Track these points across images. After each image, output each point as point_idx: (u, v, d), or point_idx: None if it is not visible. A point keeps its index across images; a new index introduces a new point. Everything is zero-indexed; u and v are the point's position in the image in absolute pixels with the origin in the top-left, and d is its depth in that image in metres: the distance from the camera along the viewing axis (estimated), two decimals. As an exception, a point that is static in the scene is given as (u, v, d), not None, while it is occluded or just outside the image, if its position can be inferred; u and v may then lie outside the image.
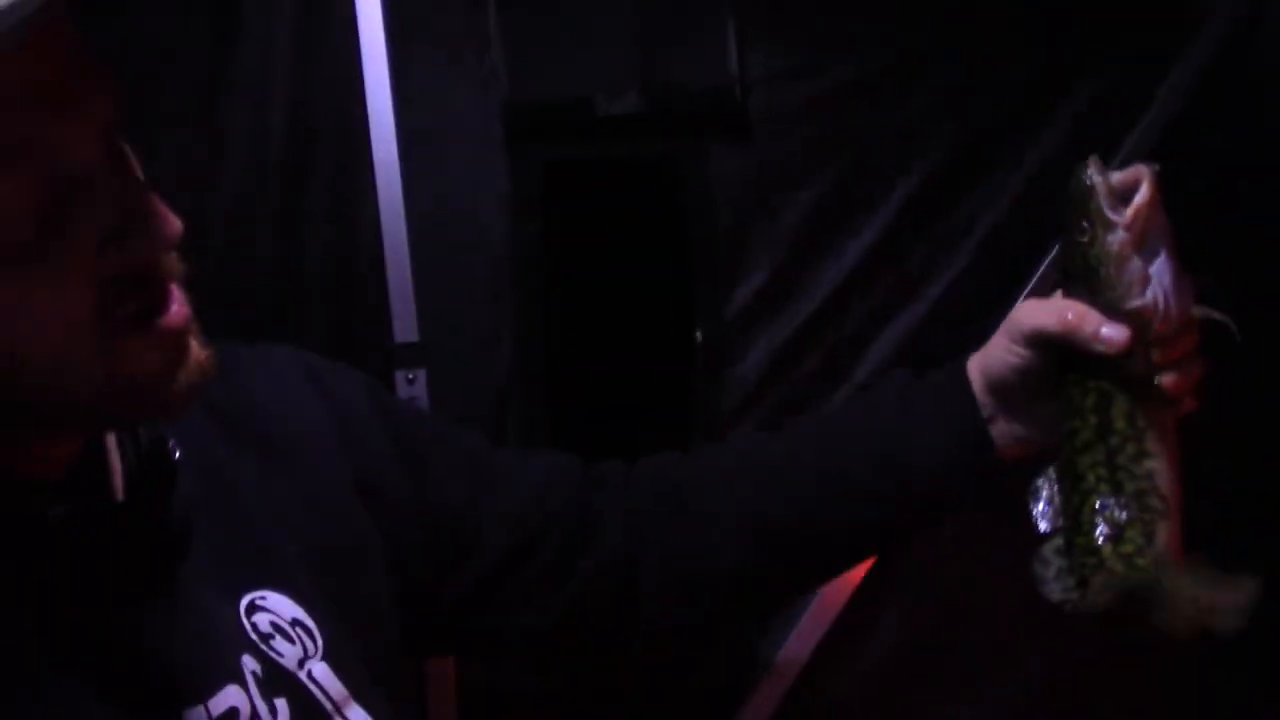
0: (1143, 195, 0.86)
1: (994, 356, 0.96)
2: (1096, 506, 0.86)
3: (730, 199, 1.63)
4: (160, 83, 1.48)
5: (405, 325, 1.56)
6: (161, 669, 0.73)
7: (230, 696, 0.77)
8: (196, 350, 0.71)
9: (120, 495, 0.76)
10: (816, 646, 1.69)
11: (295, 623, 0.84)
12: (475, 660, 1.57)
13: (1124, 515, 0.86)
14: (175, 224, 0.68)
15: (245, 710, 0.77)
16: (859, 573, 1.67)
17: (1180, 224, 0.88)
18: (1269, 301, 1.73)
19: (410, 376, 1.55)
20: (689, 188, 1.62)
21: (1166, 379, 0.87)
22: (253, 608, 0.82)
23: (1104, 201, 0.86)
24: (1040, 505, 0.90)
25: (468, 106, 1.58)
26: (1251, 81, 1.71)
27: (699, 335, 1.63)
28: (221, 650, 0.78)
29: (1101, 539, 0.86)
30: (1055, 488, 0.90)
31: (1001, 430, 0.97)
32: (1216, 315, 0.88)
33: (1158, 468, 0.87)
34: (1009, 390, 0.95)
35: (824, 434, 1.05)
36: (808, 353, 1.66)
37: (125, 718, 0.70)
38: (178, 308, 0.69)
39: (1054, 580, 0.88)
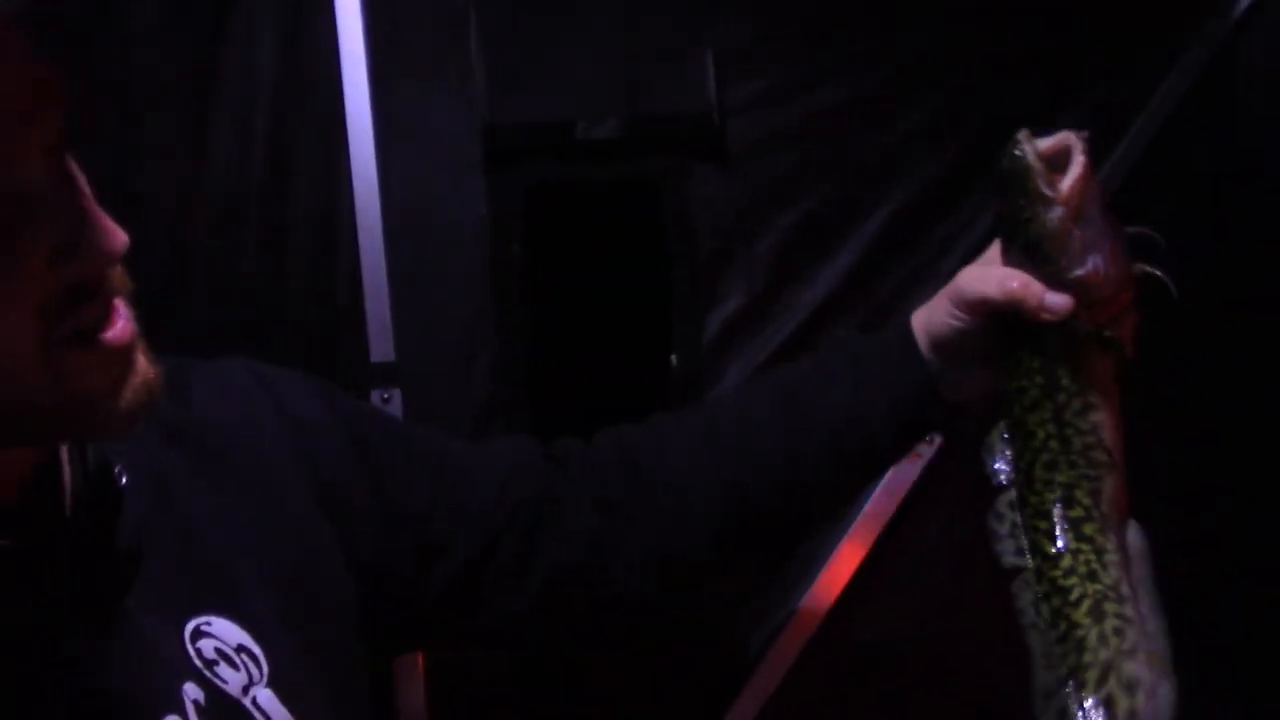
0: (1076, 170, 0.87)
1: (937, 319, 0.98)
2: (1045, 464, 0.89)
3: (708, 224, 1.63)
4: (141, 108, 1.49)
5: (381, 345, 1.56)
6: (102, 699, 0.73)
7: None
8: (144, 367, 0.70)
9: (69, 513, 0.75)
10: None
11: (240, 649, 0.83)
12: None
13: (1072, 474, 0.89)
14: (121, 238, 0.67)
15: None
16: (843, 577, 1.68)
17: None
18: (1257, 306, 1.75)
19: (385, 396, 1.56)
20: (667, 212, 1.62)
21: (1106, 335, 0.90)
22: (198, 634, 0.82)
23: (1040, 180, 0.87)
24: (995, 462, 0.92)
25: (448, 129, 1.59)
26: (1233, 101, 1.72)
27: (674, 359, 1.64)
28: (163, 679, 0.77)
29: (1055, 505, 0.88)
30: (1007, 443, 0.91)
31: (945, 382, 1.00)
32: (1151, 270, 0.90)
33: (1103, 420, 0.89)
34: (952, 349, 0.98)
35: (783, 400, 1.06)
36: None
37: None
38: (123, 324, 0.68)
39: (1007, 537, 0.90)
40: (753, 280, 1.65)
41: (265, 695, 0.83)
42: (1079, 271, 0.88)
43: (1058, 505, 0.88)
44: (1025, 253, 0.90)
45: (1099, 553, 0.87)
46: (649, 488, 1.05)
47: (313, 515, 0.94)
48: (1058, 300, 0.89)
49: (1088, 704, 0.84)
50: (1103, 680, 0.84)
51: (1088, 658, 0.85)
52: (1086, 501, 0.88)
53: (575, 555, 1.03)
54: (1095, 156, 0.90)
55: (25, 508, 0.73)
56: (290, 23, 1.54)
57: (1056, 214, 0.87)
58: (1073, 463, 0.88)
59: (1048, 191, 0.87)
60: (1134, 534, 0.89)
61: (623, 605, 1.07)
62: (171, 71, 1.52)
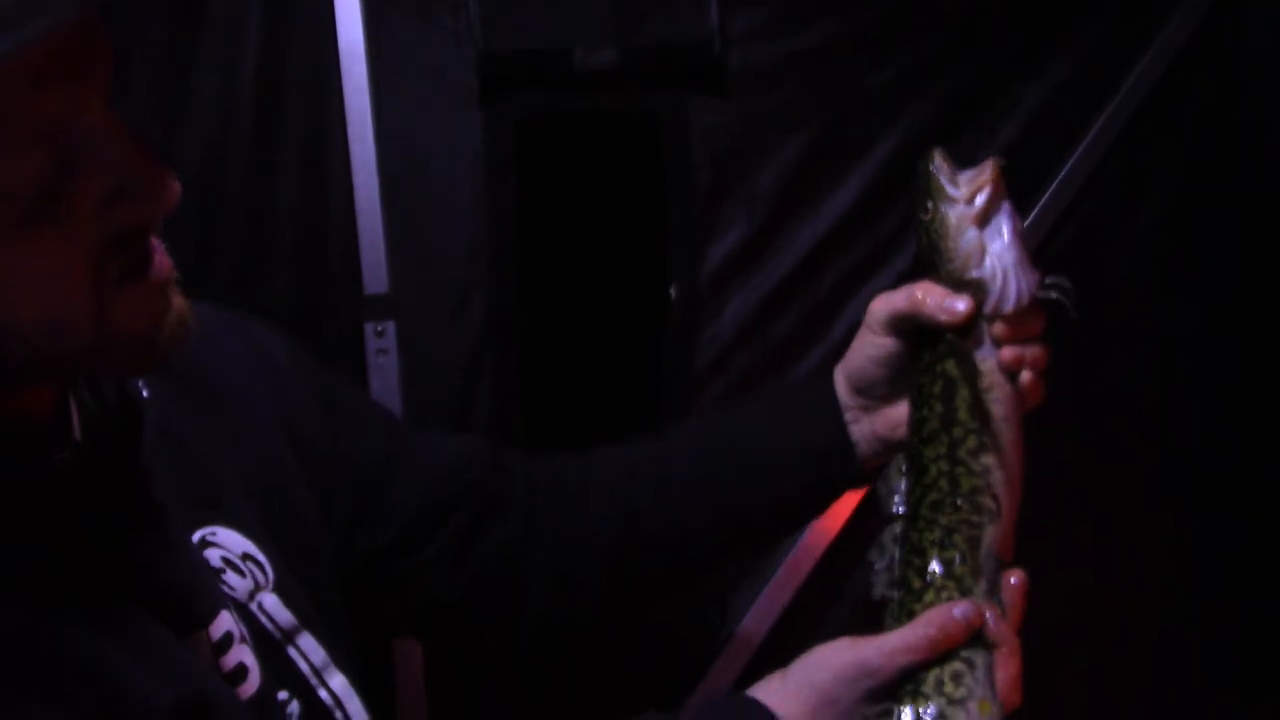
0: (983, 172, 0.89)
1: (856, 352, 0.99)
2: (931, 503, 0.89)
3: (708, 156, 1.61)
4: (128, 37, 1.46)
5: (375, 276, 1.54)
6: (173, 599, 0.75)
7: (225, 621, 0.80)
8: (179, 301, 0.71)
9: (78, 436, 0.76)
10: (782, 611, 1.69)
11: (246, 556, 0.85)
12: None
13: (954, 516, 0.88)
14: (174, 186, 0.68)
15: (236, 634, 0.80)
16: (827, 536, 1.67)
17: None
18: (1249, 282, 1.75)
19: (379, 329, 1.54)
20: (666, 144, 1.60)
21: (1006, 353, 0.90)
22: (204, 544, 0.84)
23: (943, 178, 0.90)
24: (890, 494, 0.92)
25: (442, 60, 1.56)
26: (1233, 47, 1.71)
27: (673, 293, 1.61)
28: (211, 577, 0.81)
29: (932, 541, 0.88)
30: (903, 476, 0.92)
31: (864, 431, 1.00)
32: (1056, 295, 0.90)
33: (994, 464, 0.89)
34: (871, 383, 0.98)
35: (701, 437, 1.08)
36: (783, 313, 1.65)
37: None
38: (160, 259, 0.69)
39: (884, 570, 0.90)
40: (753, 214, 1.63)
41: (271, 600, 0.86)
42: (975, 273, 0.89)
43: (935, 546, 0.88)
44: (929, 257, 0.91)
45: (963, 593, 0.87)
46: (567, 509, 1.06)
47: (286, 449, 0.95)
48: (955, 302, 0.89)
49: None
50: None
51: (919, 704, 0.84)
52: (963, 546, 0.88)
53: (499, 559, 1.05)
54: (1012, 190, 0.90)
55: (62, 426, 0.74)
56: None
57: (956, 210, 0.89)
58: (957, 506, 0.88)
59: (950, 189, 0.89)
60: (1014, 582, 0.88)
61: (527, 619, 1.08)
62: (158, 5, 1.48)
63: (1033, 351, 0.91)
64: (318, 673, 0.88)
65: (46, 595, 0.67)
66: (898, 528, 0.91)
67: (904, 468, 0.92)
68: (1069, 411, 1.69)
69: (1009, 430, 0.90)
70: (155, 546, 0.77)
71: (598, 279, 1.62)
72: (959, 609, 0.85)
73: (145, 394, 0.79)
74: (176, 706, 0.69)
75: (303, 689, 0.86)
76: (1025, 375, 0.90)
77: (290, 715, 0.85)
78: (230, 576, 0.84)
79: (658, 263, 1.62)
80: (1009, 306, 0.89)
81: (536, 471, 1.09)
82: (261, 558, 0.86)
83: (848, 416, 1.00)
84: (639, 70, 1.57)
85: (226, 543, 0.85)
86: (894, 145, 1.64)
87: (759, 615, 1.68)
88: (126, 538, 0.75)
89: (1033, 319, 0.91)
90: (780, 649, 1.69)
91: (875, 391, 0.98)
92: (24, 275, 0.62)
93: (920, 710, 0.84)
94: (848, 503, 1.65)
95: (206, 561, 0.83)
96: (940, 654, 0.84)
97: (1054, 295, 0.90)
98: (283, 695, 0.84)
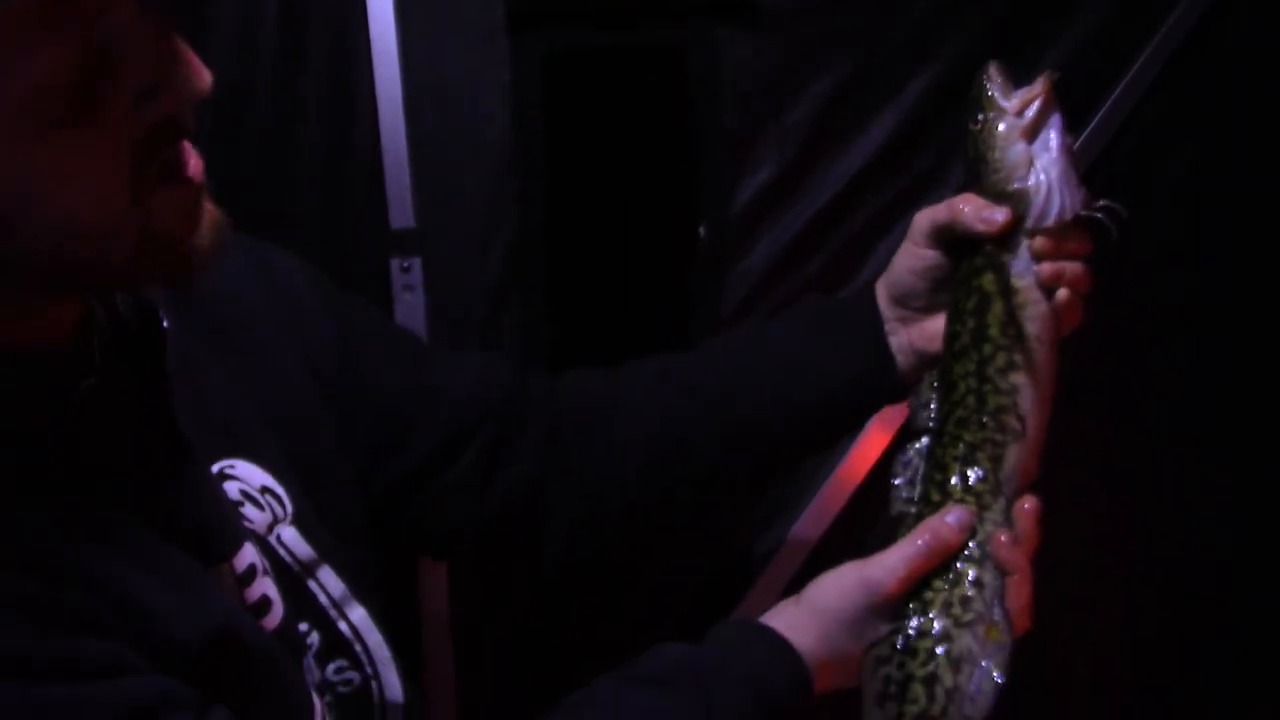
0: (1033, 88, 0.90)
1: (897, 263, 0.99)
2: (957, 420, 0.89)
3: (738, 91, 1.58)
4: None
5: (401, 210, 1.52)
6: (197, 529, 0.75)
7: (249, 554, 0.80)
8: (212, 208, 0.71)
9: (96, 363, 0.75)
10: (810, 552, 1.68)
11: (264, 489, 0.85)
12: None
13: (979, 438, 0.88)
14: (205, 76, 0.67)
15: (259, 567, 0.80)
16: (856, 477, 1.65)
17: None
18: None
19: (405, 264, 1.52)
20: (696, 78, 1.57)
21: (1044, 268, 0.89)
22: (222, 476, 0.83)
23: (996, 90, 0.91)
24: (919, 409, 0.92)
25: (470, -9, 1.54)
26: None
27: (702, 230, 1.59)
28: (232, 510, 0.81)
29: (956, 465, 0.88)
30: (934, 393, 0.92)
31: (901, 343, 0.99)
32: (1099, 215, 0.90)
33: (1023, 383, 0.89)
34: (910, 294, 0.98)
35: (736, 347, 1.07)
36: (814, 252, 1.62)
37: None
38: (195, 160, 0.69)
39: (905, 484, 0.91)
40: (784, 150, 1.59)
41: (289, 533, 0.85)
42: (1018, 185, 0.89)
43: (958, 462, 0.88)
44: (976, 168, 0.91)
45: (982, 509, 0.87)
46: (595, 429, 1.05)
47: (306, 378, 0.95)
48: (994, 213, 0.89)
49: (915, 678, 0.84)
50: (930, 657, 0.84)
51: (925, 624, 0.85)
52: (985, 464, 0.88)
53: (522, 480, 1.04)
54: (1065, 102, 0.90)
55: (84, 353, 0.74)
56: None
57: (1006, 121, 0.89)
58: (982, 424, 0.88)
59: (1001, 100, 0.90)
60: (1026, 508, 0.88)
61: (552, 541, 1.07)
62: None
63: (1073, 270, 0.90)
64: (337, 605, 0.88)
65: (74, 525, 0.67)
66: (922, 444, 0.91)
67: (935, 383, 0.91)
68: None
69: (1041, 350, 0.89)
70: (179, 477, 0.77)
71: (626, 216, 1.60)
72: (952, 515, 0.86)
73: (165, 324, 0.78)
74: (203, 639, 0.69)
75: (322, 621, 0.86)
76: (1062, 293, 0.89)
77: (311, 646, 0.85)
78: (248, 510, 0.83)
79: (687, 200, 1.59)
80: (1051, 220, 0.89)
81: (563, 389, 1.08)
82: (280, 490, 0.86)
83: (887, 328, 0.99)
84: (668, 4, 1.54)
85: (245, 475, 0.84)
86: (928, 82, 1.60)
87: (787, 555, 1.67)
88: (151, 468, 0.75)
89: (1075, 237, 0.90)
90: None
91: (914, 303, 0.98)
92: (65, 175, 0.62)
93: (928, 630, 0.84)
94: (876, 444, 1.64)
95: (226, 494, 0.82)
96: (938, 560, 0.85)
97: (1099, 215, 0.89)
98: (303, 627, 0.85)
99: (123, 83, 0.63)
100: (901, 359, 0.99)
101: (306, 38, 1.51)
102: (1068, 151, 0.89)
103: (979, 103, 0.91)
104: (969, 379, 0.89)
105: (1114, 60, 1.66)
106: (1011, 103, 0.90)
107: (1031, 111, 0.89)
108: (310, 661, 0.85)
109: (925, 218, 0.94)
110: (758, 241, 1.61)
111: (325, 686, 0.86)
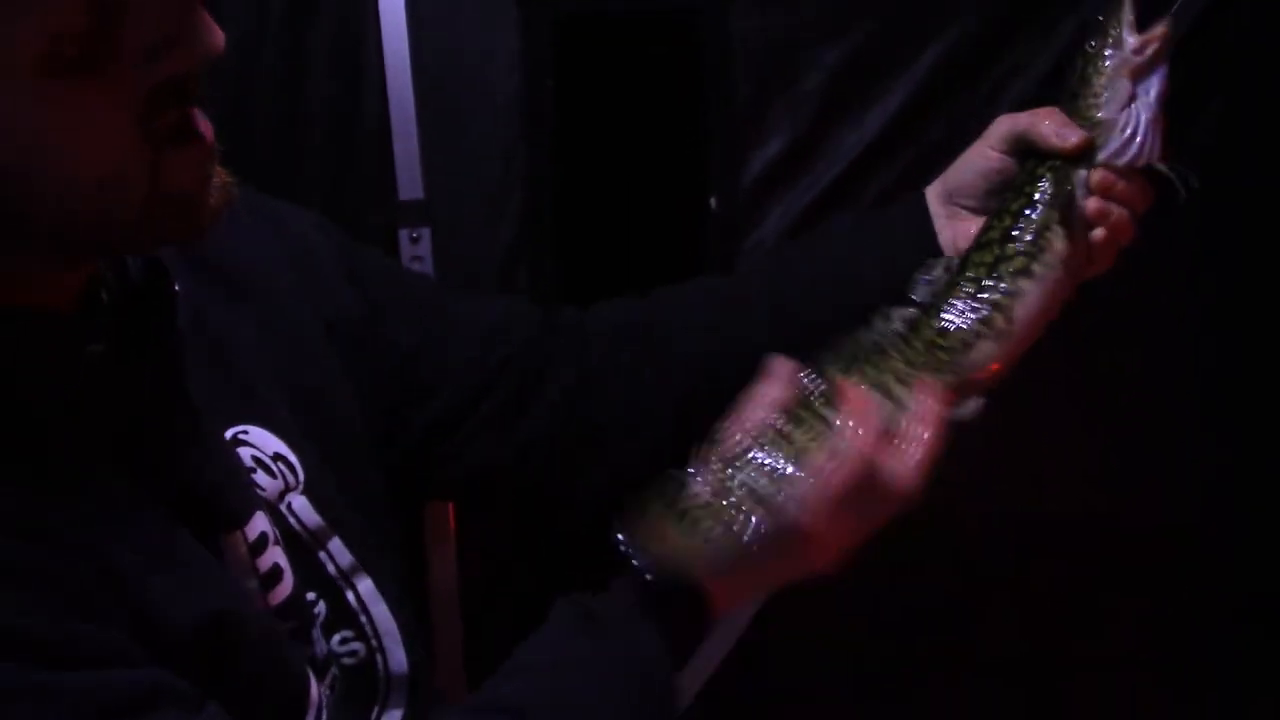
0: (1154, 31, 0.91)
1: (964, 161, 0.98)
2: (950, 297, 0.90)
3: (750, 59, 1.57)
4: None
5: (410, 182, 1.51)
6: (208, 497, 0.75)
7: (260, 522, 0.79)
8: (219, 171, 0.70)
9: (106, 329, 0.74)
10: None
11: (277, 456, 0.84)
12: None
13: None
14: (217, 35, 0.66)
15: (271, 536, 0.80)
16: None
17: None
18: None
19: (414, 235, 1.51)
20: (707, 45, 1.55)
21: (1092, 202, 0.91)
22: (236, 441, 0.83)
23: (1124, 22, 0.91)
24: (923, 280, 0.92)
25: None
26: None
27: (713, 201, 1.58)
28: (245, 477, 0.80)
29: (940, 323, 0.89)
30: (945, 272, 0.92)
31: (946, 239, 0.98)
32: (1171, 174, 0.91)
33: (1029, 292, 0.89)
34: (966, 192, 0.97)
35: (783, 264, 1.05)
36: (825, 222, 1.61)
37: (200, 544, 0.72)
38: (205, 124, 0.68)
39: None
40: (796, 120, 1.59)
41: (300, 502, 0.85)
42: (1104, 114, 0.91)
43: (931, 330, 0.88)
44: (1076, 88, 0.93)
45: (934, 370, 0.86)
46: (632, 358, 1.02)
47: (321, 339, 0.94)
48: (1071, 133, 0.90)
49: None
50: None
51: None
52: (954, 343, 0.88)
53: (555, 416, 1.02)
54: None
55: (90, 317, 0.73)
56: None
57: (1122, 53, 0.91)
58: (973, 309, 0.89)
59: (1127, 34, 0.91)
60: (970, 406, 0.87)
61: (589, 474, 1.05)
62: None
63: (1120, 216, 0.91)
64: (345, 576, 0.87)
65: (76, 499, 0.66)
66: (911, 313, 0.89)
67: (949, 265, 0.92)
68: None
69: (1057, 273, 0.90)
70: (190, 444, 0.76)
71: (636, 185, 1.59)
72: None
73: (176, 287, 0.77)
74: (199, 623, 0.69)
75: (330, 591, 0.86)
76: (1100, 233, 0.90)
77: (318, 616, 0.85)
78: (260, 476, 0.83)
79: (698, 169, 1.58)
80: (1123, 159, 0.91)
81: (592, 324, 1.05)
82: (292, 458, 0.85)
83: (935, 225, 0.98)
84: (681, -30, 1.52)
85: (258, 441, 0.84)
86: (941, 52, 1.59)
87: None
88: (160, 435, 0.74)
89: (1136, 186, 0.91)
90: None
91: (966, 201, 0.97)
92: (72, 127, 0.61)
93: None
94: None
95: (240, 460, 0.82)
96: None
97: (1171, 173, 0.91)
98: (311, 596, 0.84)
99: (132, 36, 0.62)
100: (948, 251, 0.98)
101: (316, 4, 1.50)
102: (1162, 103, 0.92)
103: (1105, 26, 0.92)
104: (980, 268, 0.90)
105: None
106: (1133, 39, 0.91)
107: (1148, 52, 0.91)
108: (317, 632, 0.85)
109: (1005, 122, 0.95)
110: (770, 212, 1.60)
111: (330, 658, 0.86)
